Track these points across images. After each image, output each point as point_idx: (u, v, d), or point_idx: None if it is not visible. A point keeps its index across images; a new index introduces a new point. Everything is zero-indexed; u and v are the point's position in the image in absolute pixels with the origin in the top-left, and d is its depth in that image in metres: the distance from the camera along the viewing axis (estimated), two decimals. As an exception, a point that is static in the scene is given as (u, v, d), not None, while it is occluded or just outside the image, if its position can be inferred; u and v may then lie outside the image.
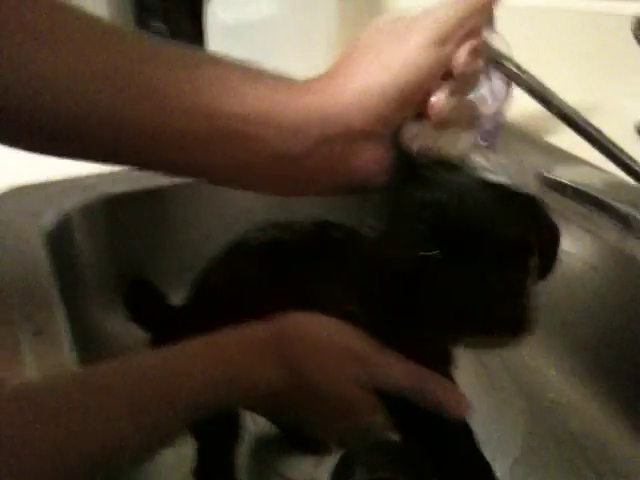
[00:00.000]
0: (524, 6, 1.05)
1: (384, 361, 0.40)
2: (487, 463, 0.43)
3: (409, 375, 0.40)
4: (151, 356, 0.41)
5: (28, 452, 0.33)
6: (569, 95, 0.67)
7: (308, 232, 0.45)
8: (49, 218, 0.70)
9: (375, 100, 0.40)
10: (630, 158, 0.67)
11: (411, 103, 0.41)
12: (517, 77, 0.68)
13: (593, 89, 0.97)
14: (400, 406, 0.40)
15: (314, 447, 0.64)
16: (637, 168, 0.67)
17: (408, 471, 0.64)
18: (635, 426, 0.65)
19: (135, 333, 0.54)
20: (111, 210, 0.75)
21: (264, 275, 0.45)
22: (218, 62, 0.42)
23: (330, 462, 0.63)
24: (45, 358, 0.50)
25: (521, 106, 0.81)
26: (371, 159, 0.41)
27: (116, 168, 0.77)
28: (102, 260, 0.75)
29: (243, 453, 0.65)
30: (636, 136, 0.66)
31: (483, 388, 0.74)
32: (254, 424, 0.67)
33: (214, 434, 0.55)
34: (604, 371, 0.69)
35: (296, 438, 0.66)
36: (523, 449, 0.65)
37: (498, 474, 0.60)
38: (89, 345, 0.62)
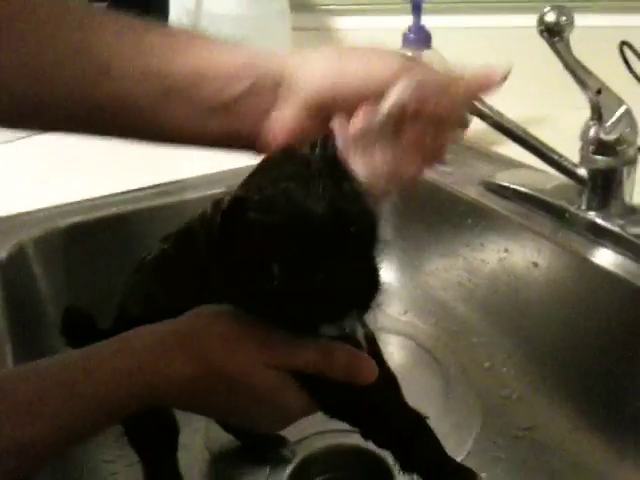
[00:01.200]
0: (462, 26, 1.09)
1: (286, 339, 0.41)
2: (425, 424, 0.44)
3: (314, 349, 0.41)
4: (59, 356, 0.42)
5: None
6: (510, 108, 0.70)
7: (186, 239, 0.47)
8: (2, 250, 0.72)
9: (310, 79, 0.44)
10: (563, 157, 0.69)
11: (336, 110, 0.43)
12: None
13: (533, 102, 1.00)
14: (315, 383, 0.41)
15: (269, 457, 0.65)
16: (570, 167, 0.69)
17: (366, 475, 0.65)
18: (587, 419, 0.65)
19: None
20: (64, 241, 0.77)
21: (162, 290, 0.47)
22: (163, 28, 0.47)
23: (284, 471, 0.64)
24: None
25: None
26: (287, 124, 0.44)
27: (68, 200, 0.80)
28: (55, 289, 0.76)
29: (197, 467, 0.65)
30: (573, 143, 0.69)
31: (437, 385, 0.75)
32: (206, 437, 0.67)
33: (155, 448, 0.56)
34: (553, 366, 0.69)
35: (250, 448, 0.66)
36: (474, 445, 0.65)
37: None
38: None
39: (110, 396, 0.39)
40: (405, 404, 0.44)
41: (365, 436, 0.44)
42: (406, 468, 0.44)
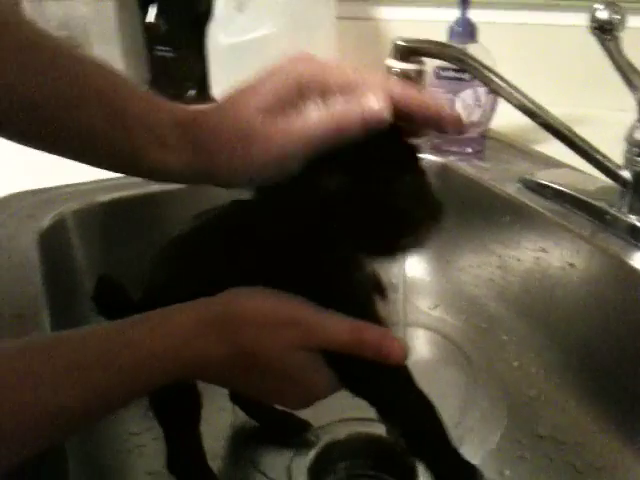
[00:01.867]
0: (510, 22, 1.08)
1: (319, 320, 0.41)
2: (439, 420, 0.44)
3: (347, 330, 0.41)
4: (98, 326, 0.43)
5: None
6: (554, 106, 0.70)
7: (227, 216, 0.48)
8: (43, 221, 0.73)
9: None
10: (607, 158, 0.68)
11: None
12: (498, 87, 0.70)
13: (578, 101, 0.99)
14: (345, 365, 0.42)
15: (292, 440, 0.65)
16: (614, 168, 0.68)
17: (388, 464, 0.65)
18: (614, 422, 0.65)
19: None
20: (102, 214, 0.79)
21: (197, 264, 0.48)
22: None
23: (307, 456, 0.64)
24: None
25: (507, 115, 0.83)
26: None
27: (108, 176, 0.82)
28: (91, 261, 0.78)
29: (221, 443, 0.66)
30: (617, 145, 0.68)
31: (464, 381, 0.74)
32: (234, 416, 0.68)
33: (178, 421, 0.57)
34: (584, 368, 0.69)
35: (274, 431, 0.67)
36: (499, 443, 0.65)
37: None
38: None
39: (146, 371, 0.40)
40: (420, 389, 0.45)
41: (381, 415, 0.45)
42: (413, 453, 0.45)
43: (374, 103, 0.39)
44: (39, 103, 0.43)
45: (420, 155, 0.42)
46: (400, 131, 0.41)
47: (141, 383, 0.41)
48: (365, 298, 0.46)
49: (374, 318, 0.44)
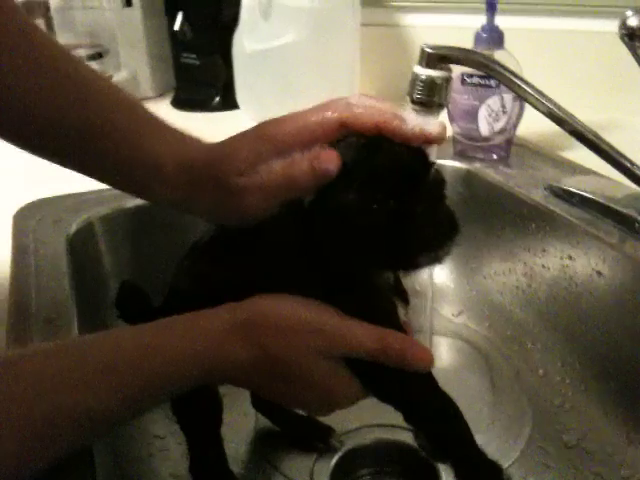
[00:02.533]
0: (537, 28, 1.07)
1: (345, 329, 0.42)
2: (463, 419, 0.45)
3: (371, 337, 0.41)
4: (128, 330, 0.44)
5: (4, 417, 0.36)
6: (580, 113, 0.69)
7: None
8: (71, 226, 0.74)
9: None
10: (635, 165, 0.67)
11: None
12: (526, 93, 0.70)
13: (605, 107, 0.98)
14: (370, 372, 0.42)
15: (314, 445, 0.65)
16: (642, 174, 0.67)
17: (411, 471, 0.65)
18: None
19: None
20: (129, 220, 0.79)
21: (221, 269, 0.48)
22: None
23: (330, 461, 0.64)
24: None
25: (533, 122, 0.83)
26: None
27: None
28: (117, 265, 0.79)
29: (244, 448, 0.66)
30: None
31: (488, 389, 0.74)
32: (256, 420, 0.68)
33: (200, 426, 0.57)
34: (610, 377, 0.68)
35: (296, 436, 0.67)
36: (523, 451, 0.64)
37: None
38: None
39: (174, 375, 0.41)
40: (444, 392, 0.45)
41: (406, 419, 0.45)
42: (440, 455, 0.46)
43: (319, 160, 0.42)
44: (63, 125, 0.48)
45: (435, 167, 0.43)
46: (423, 152, 0.43)
47: (169, 387, 0.42)
48: (387, 304, 0.46)
49: (397, 324, 0.45)
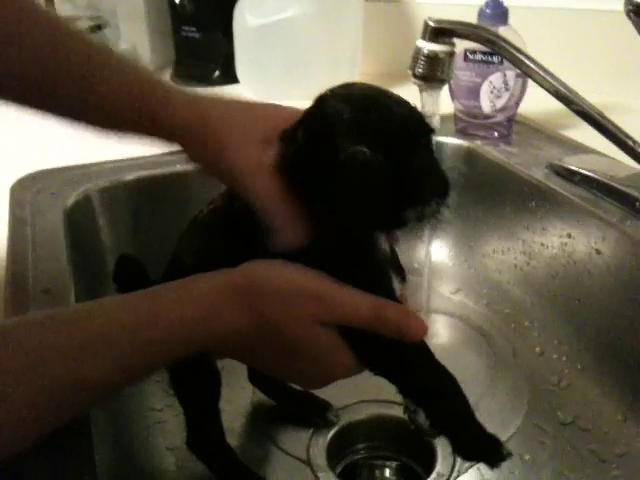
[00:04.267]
0: (542, 6, 1.06)
1: (342, 296, 0.41)
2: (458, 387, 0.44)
3: (368, 305, 0.41)
4: (121, 297, 0.44)
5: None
6: (584, 92, 0.68)
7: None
8: (69, 198, 0.74)
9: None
10: (637, 144, 0.67)
11: None
12: (531, 70, 0.69)
13: (609, 88, 0.97)
14: (364, 342, 0.42)
15: (311, 420, 0.66)
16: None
17: (407, 446, 0.65)
18: (638, 410, 0.64)
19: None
20: (127, 193, 0.79)
21: (221, 243, 0.49)
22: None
23: (327, 435, 0.65)
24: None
25: (536, 100, 0.82)
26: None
27: (134, 155, 0.82)
28: (116, 239, 0.78)
29: (241, 422, 0.67)
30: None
31: (485, 367, 0.74)
32: (253, 395, 0.68)
33: (198, 400, 0.57)
34: (607, 356, 0.68)
35: (293, 411, 0.67)
36: (520, 428, 0.65)
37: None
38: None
39: (171, 341, 0.40)
40: (440, 363, 0.45)
41: (402, 393, 0.45)
42: (436, 427, 0.45)
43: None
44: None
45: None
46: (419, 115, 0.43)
47: (163, 354, 0.41)
48: (383, 276, 0.46)
49: (392, 296, 0.44)
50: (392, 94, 0.43)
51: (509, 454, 0.44)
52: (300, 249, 0.43)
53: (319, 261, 0.42)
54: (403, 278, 0.48)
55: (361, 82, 0.44)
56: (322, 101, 0.43)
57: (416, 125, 0.42)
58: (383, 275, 0.45)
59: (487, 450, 0.44)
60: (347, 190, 0.39)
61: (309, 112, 0.44)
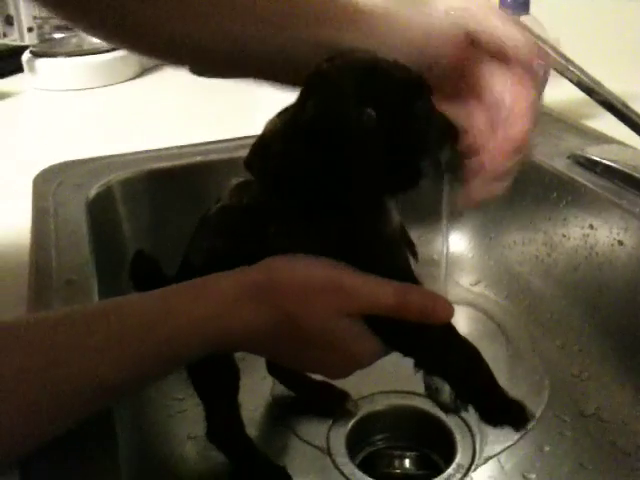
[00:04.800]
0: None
1: (363, 286, 0.41)
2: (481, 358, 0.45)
3: (391, 292, 0.41)
4: (136, 296, 0.44)
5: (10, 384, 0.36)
6: (607, 82, 0.68)
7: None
8: (91, 190, 0.75)
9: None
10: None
11: None
12: (552, 59, 0.69)
13: (633, 77, 0.96)
14: (389, 326, 0.42)
15: (330, 410, 0.66)
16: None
17: (426, 437, 0.65)
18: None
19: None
20: (149, 184, 0.80)
21: (223, 242, 0.48)
22: None
23: (346, 425, 0.65)
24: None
25: (557, 90, 0.81)
26: None
27: (155, 146, 0.83)
28: (137, 231, 0.79)
29: (260, 412, 0.67)
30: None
31: (505, 358, 0.74)
32: (273, 385, 0.69)
33: (217, 393, 0.58)
34: (628, 348, 0.67)
35: (312, 401, 0.67)
36: (540, 420, 0.64)
37: (510, 442, 0.61)
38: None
39: (187, 341, 0.40)
40: (463, 337, 0.45)
41: (427, 369, 0.46)
42: (462, 398, 0.46)
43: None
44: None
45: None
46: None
47: (181, 353, 0.41)
48: (400, 257, 0.46)
49: (412, 277, 0.44)
50: (388, 59, 0.43)
51: (532, 416, 0.45)
52: (316, 241, 0.43)
53: (336, 251, 0.42)
54: (414, 254, 0.48)
55: (356, 50, 0.45)
56: (323, 72, 0.43)
57: (415, 83, 0.43)
58: (400, 251, 0.45)
59: (512, 414, 0.46)
60: (362, 151, 0.40)
61: (312, 83, 0.43)
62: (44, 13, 1.30)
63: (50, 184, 0.76)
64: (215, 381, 0.57)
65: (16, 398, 0.36)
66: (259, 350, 0.46)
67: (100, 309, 0.43)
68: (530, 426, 0.63)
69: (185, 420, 0.66)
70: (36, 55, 1.19)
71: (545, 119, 0.90)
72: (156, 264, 0.55)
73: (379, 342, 0.43)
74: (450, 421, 0.64)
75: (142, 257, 0.56)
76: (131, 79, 1.20)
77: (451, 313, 0.42)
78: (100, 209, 0.74)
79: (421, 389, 0.47)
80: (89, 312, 0.43)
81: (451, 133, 0.44)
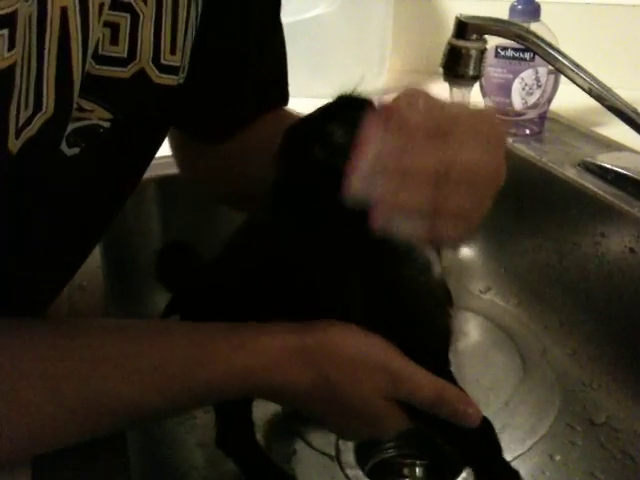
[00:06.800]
0: (576, 2, 1.05)
1: (408, 373, 0.42)
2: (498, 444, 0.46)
3: (431, 386, 0.42)
4: (186, 326, 0.44)
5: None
6: (617, 89, 0.67)
7: None
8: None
9: None
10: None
11: None
12: (564, 67, 0.69)
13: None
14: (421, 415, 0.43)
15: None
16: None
17: (434, 450, 0.65)
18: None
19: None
20: (158, 190, 0.80)
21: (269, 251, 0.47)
22: None
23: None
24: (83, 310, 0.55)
25: (568, 97, 0.81)
26: None
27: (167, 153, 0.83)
28: (145, 235, 0.79)
29: (270, 419, 0.67)
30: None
31: (515, 367, 0.73)
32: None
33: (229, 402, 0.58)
34: (639, 357, 0.67)
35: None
36: (550, 428, 0.64)
37: (521, 451, 0.61)
38: (125, 305, 0.66)
39: (227, 386, 0.41)
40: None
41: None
42: (466, 463, 0.48)
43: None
44: None
45: None
46: None
47: (216, 396, 0.43)
48: (440, 310, 0.46)
49: (447, 331, 0.45)
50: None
51: None
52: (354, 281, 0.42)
53: (378, 306, 0.42)
54: (451, 302, 0.47)
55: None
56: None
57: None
58: (439, 308, 0.45)
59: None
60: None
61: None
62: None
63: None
64: None
65: (51, 404, 0.37)
66: (289, 404, 0.47)
67: (149, 333, 0.42)
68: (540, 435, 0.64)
69: (195, 427, 0.66)
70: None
71: (555, 126, 0.90)
72: (194, 250, 0.54)
73: (406, 419, 0.44)
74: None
75: (175, 248, 0.55)
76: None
77: (479, 419, 0.43)
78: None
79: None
80: (139, 333, 0.42)
81: None
